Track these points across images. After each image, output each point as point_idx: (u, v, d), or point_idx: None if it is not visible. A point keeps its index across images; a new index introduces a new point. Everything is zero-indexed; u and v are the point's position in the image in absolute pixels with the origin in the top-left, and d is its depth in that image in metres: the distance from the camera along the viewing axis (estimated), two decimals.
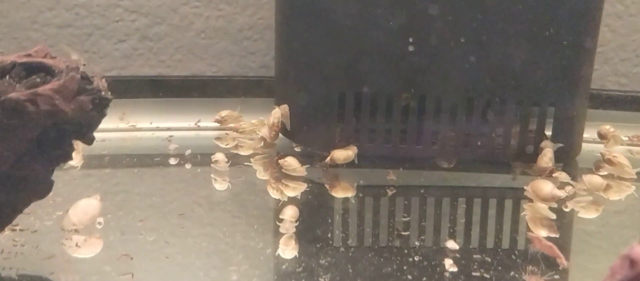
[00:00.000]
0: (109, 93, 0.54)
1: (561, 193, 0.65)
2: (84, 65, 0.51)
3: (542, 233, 0.61)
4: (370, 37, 0.71)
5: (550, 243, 0.56)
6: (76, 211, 0.58)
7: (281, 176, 0.71)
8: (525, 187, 0.68)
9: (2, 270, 0.52)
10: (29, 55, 0.54)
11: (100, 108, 0.53)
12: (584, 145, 0.80)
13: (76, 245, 0.56)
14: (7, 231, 0.55)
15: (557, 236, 0.61)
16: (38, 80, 0.51)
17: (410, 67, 0.72)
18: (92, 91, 0.52)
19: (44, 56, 0.54)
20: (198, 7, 0.98)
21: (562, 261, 0.55)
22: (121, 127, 0.84)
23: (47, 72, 0.52)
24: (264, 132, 0.76)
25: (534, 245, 0.57)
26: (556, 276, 0.54)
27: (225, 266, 0.55)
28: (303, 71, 0.76)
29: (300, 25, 0.75)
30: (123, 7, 0.97)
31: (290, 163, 0.71)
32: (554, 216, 0.64)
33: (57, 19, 0.96)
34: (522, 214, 0.65)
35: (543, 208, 0.64)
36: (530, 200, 0.67)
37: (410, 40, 0.70)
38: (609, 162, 0.74)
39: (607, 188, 0.71)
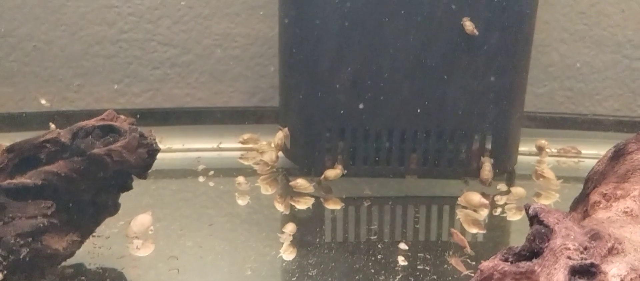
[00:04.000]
0: (159, 145, 0.76)
1: (487, 201, 0.87)
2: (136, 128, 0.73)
3: (473, 230, 0.84)
4: (344, 85, 0.92)
5: (462, 237, 0.79)
6: (136, 223, 0.80)
7: (287, 192, 0.92)
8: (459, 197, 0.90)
9: (89, 265, 0.74)
10: (103, 118, 0.76)
11: (152, 155, 0.75)
12: (524, 158, 1.02)
13: (137, 248, 0.79)
14: (90, 238, 0.76)
15: (484, 232, 0.84)
16: (111, 139, 0.73)
17: (379, 106, 0.93)
18: (147, 145, 0.74)
19: (111, 119, 0.77)
20: (218, 39, 1.14)
21: (467, 249, 0.78)
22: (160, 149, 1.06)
23: (115, 132, 0.75)
24: (267, 157, 0.98)
25: (453, 238, 0.80)
26: (469, 260, 0.77)
27: (242, 263, 0.77)
28: (300, 108, 0.96)
29: (296, 79, 0.95)
30: (157, 40, 1.13)
31: (302, 183, 0.91)
32: (481, 218, 0.86)
33: (104, 51, 1.13)
34: (457, 218, 0.87)
35: (472, 213, 0.87)
36: (464, 207, 0.89)
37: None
38: (540, 176, 0.96)
39: (538, 195, 0.93)
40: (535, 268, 0.48)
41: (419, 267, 0.77)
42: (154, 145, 0.75)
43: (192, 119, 1.11)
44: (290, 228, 0.82)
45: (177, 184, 0.97)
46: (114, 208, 0.76)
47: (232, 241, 0.82)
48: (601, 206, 0.63)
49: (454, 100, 0.93)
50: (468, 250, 0.79)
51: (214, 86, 1.17)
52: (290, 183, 0.93)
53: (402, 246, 0.81)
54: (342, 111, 0.94)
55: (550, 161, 1.03)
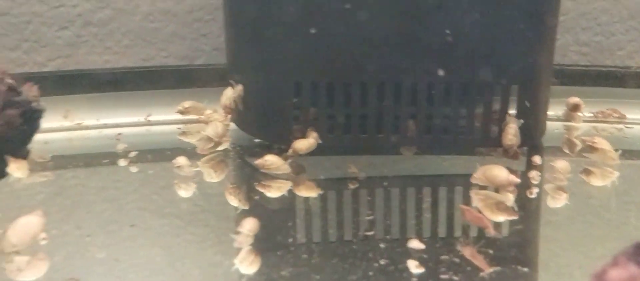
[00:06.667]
0: (41, 103, 0.49)
1: (517, 178, 0.63)
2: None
3: (501, 218, 0.60)
4: (325, 22, 0.68)
5: (479, 214, 0.57)
6: (16, 231, 0.53)
7: (242, 178, 0.67)
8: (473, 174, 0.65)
9: None
10: None
11: (31, 121, 0.49)
12: (549, 125, 0.78)
13: (18, 269, 0.52)
14: None
15: (516, 218, 0.60)
16: None
17: (367, 53, 0.68)
18: (21, 104, 0.48)
19: None
20: None
21: (490, 230, 0.56)
22: (66, 127, 0.78)
23: None
24: (210, 129, 0.71)
25: (466, 217, 0.57)
26: (490, 251, 0.54)
27: None
28: (256, 58, 0.71)
29: (251, 8, 0.71)
30: None
31: (273, 161, 0.67)
32: (508, 200, 0.62)
33: None
34: (473, 205, 0.62)
35: (493, 194, 0.62)
36: (482, 188, 0.64)
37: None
38: (589, 147, 0.71)
39: (588, 172, 0.69)
40: None
41: (442, 277, 0.52)
42: (33, 104, 0.48)
43: (111, 86, 0.84)
44: (248, 226, 0.55)
45: (87, 172, 0.69)
46: None
47: (165, 249, 0.56)
48: None
49: (466, 41, 0.68)
50: (491, 231, 0.56)
51: (142, 50, 0.95)
52: (256, 162, 0.67)
53: (414, 245, 0.56)
54: (313, 61, 0.68)
55: (585, 128, 0.79)
